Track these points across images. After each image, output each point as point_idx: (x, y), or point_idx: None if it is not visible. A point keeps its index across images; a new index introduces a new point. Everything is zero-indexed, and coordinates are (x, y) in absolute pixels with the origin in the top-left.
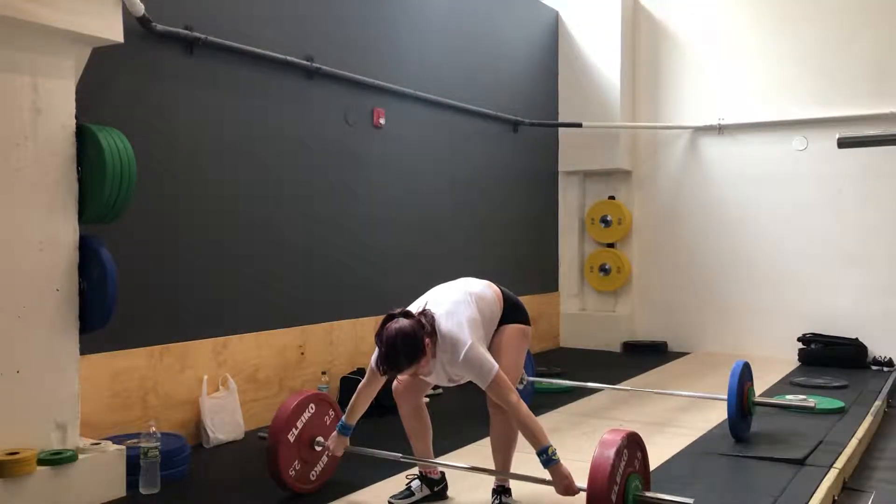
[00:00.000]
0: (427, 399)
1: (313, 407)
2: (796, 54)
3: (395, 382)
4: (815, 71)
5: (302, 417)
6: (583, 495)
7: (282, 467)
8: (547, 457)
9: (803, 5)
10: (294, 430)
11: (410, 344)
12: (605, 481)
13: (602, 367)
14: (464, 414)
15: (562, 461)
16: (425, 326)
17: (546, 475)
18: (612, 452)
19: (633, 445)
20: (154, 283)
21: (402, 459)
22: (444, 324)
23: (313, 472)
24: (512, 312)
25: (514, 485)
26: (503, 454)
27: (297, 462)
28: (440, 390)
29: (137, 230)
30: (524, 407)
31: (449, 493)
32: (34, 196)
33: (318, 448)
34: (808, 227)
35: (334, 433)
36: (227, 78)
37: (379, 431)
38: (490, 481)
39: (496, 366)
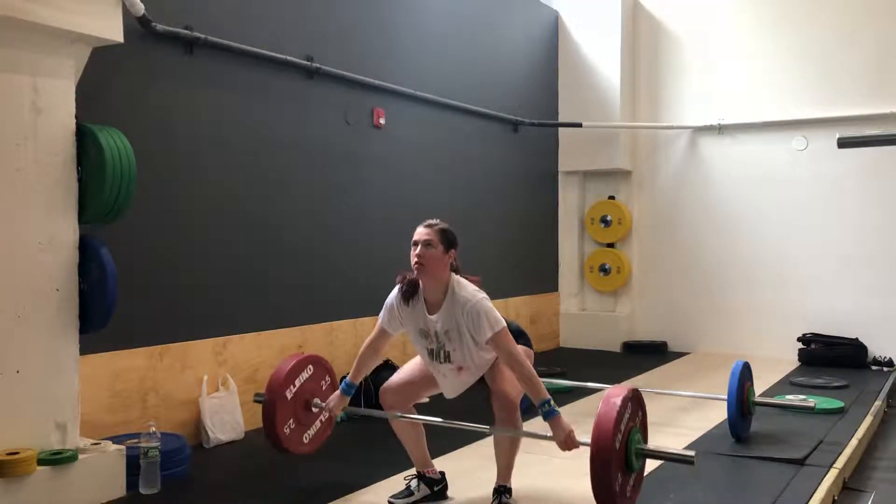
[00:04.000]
0: (427, 399)
1: (311, 368)
2: (796, 54)
3: (382, 389)
4: (815, 71)
5: (301, 376)
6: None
7: (277, 423)
8: (549, 408)
9: (803, 5)
10: (292, 387)
11: (449, 229)
12: (610, 432)
13: (602, 367)
14: (463, 414)
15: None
16: (456, 262)
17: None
18: (616, 406)
19: (636, 401)
20: (154, 283)
21: (398, 418)
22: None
23: (306, 435)
24: (517, 338)
25: (514, 485)
26: (506, 455)
27: (291, 420)
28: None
29: (137, 230)
30: (527, 361)
31: (448, 492)
32: (34, 196)
33: (315, 409)
34: (808, 227)
35: (336, 392)
36: (227, 78)
37: (378, 432)
38: (490, 482)
39: (505, 323)
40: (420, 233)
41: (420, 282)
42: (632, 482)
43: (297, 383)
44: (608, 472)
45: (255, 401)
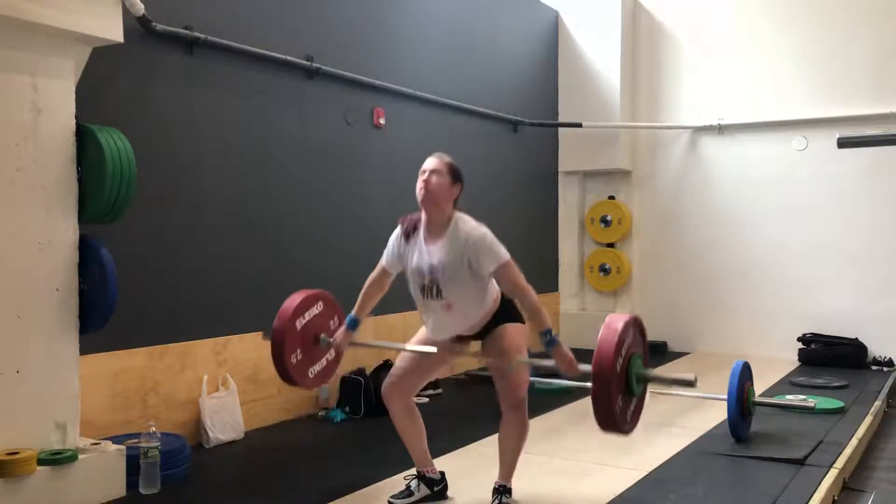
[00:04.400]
0: (427, 399)
1: (321, 305)
2: (796, 54)
3: (383, 388)
4: (816, 71)
5: (311, 310)
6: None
7: (286, 351)
8: (550, 337)
9: (803, 6)
10: (301, 319)
11: (458, 165)
12: (612, 355)
13: None
14: (462, 415)
15: (559, 468)
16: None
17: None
18: (618, 331)
19: (637, 327)
20: (154, 283)
21: (403, 349)
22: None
23: (312, 369)
24: (512, 310)
25: (514, 485)
26: (511, 452)
27: (299, 351)
28: (439, 390)
29: (137, 230)
30: (532, 291)
31: (449, 493)
32: (34, 196)
33: (323, 346)
34: (808, 227)
35: (342, 328)
36: (227, 78)
37: (378, 432)
38: (490, 482)
39: (509, 256)
40: (429, 162)
41: (423, 214)
42: (633, 407)
43: (308, 317)
44: (609, 395)
45: (264, 337)
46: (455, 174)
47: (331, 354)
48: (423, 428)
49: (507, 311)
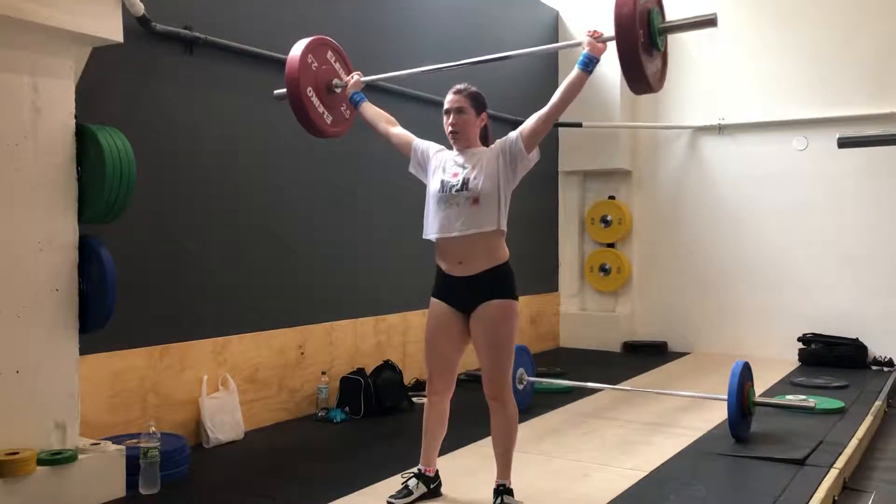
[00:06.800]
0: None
1: (329, 54)
2: (796, 54)
3: (428, 385)
4: (815, 71)
5: (318, 59)
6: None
7: (302, 93)
8: (584, 59)
9: (803, 5)
10: (311, 62)
11: (479, 91)
12: (632, 13)
13: (602, 367)
14: (463, 415)
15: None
16: (487, 126)
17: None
18: None
19: None
20: (154, 283)
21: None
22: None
23: (329, 116)
24: (509, 282)
25: (516, 485)
26: (504, 446)
27: (319, 105)
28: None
29: (137, 230)
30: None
31: (450, 493)
32: (34, 196)
33: (337, 90)
34: (808, 227)
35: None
36: (227, 78)
37: (378, 432)
38: (491, 482)
39: None
40: (451, 100)
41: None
42: (659, 64)
43: (315, 64)
44: (636, 54)
45: (276, 96)
46: (478, 105)
47: (346, 112)
48: (445, 430)
49: (505, 280)
